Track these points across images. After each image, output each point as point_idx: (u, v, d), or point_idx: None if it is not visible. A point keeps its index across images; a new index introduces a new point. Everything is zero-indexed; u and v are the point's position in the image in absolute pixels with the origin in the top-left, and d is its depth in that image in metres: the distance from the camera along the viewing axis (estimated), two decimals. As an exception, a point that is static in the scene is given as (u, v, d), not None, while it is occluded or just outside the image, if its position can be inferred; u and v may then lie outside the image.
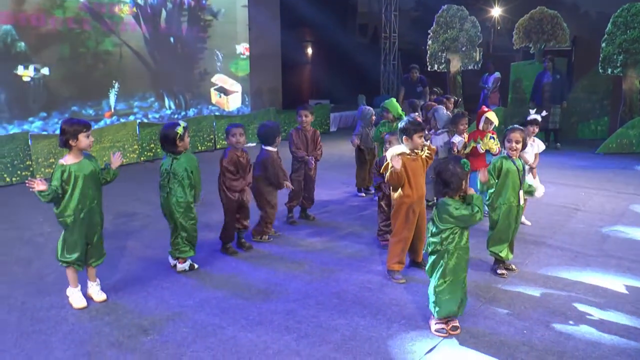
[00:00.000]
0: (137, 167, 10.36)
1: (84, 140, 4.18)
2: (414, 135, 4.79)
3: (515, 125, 5.22)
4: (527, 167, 6.31)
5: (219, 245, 5.76)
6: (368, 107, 8.12)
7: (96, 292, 4.49)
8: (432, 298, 3.99)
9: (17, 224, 6.64)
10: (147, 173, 9.56)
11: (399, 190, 4.87)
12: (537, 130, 6.36)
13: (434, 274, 3.97)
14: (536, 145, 6.42)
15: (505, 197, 4.97)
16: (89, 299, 4.44)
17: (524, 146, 5.13)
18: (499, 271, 5.08)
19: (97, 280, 4.54)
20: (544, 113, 6.76)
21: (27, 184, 4.06)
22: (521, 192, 5.01)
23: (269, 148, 5.88)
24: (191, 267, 5.15)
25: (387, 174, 4.80)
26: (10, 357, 3.63)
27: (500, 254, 5.04)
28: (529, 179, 6.22)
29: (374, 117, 7.95)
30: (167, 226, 5.21)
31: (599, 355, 3.68)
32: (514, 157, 5.03)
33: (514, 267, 5.20)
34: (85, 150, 4.29)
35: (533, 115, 6.41)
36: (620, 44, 11.68)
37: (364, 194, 8.13)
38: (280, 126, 6.07)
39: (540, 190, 6.47)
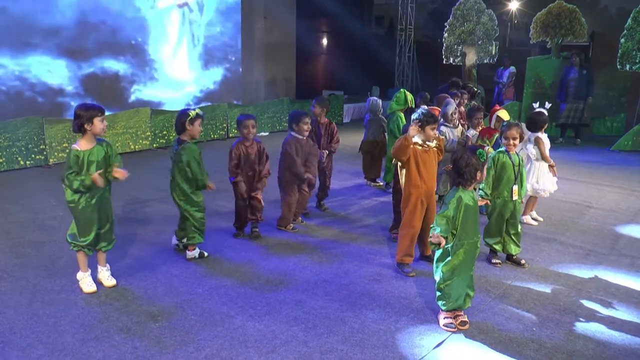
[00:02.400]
0: (149, 153, 10.40)
1: (98, 124, 4.18)
2: (427, 127, 4.78)
3: (511, 122, 5.31)
4: (545, 163, 6.27)
5: (230, 233, 5.81)
6: (376, 98, 8.14)
7: (106, 277, 4.51)
8: (438, 292, 3.98)
9: (31, 207, 6.70)
10: (159, 160, 9.59)
11: (408, 180, 4.86)
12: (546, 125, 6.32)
13: (440, 268, 3.94)
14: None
15: (499, 190, 5.10)
16: (98, 283, 4.47)
17: (521, 139, 5.28)
18: (493, 260, 5.21)
19: (107, 265, 4.57)
20: (548, 105, 6.67)
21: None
22: (515, 187, 5.09)
23: (292, 133, 5.94)
24: (201, 255, 5.16)
25: (396, 142, 4.81)
26: (20, 339, 3.66)
27: (495, 246, 5.17)
28: (544, 177, 6.21)
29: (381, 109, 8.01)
30: (177, 213, 5.22)
31: (610, 355, 3.65)
32: (512, 152, 5.15)
33: (523, 262, 5.18)
34: (99, 136, 4.29)
35: (538, 108, 6.37)
36: (640, 40, 11.50)
37: (373, 184, 8.21)
38: (301, 112, 6.06)
39: (552, 187, 6.41)
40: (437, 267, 3.98)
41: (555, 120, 12.61)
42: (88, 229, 4.29)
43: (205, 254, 5.20)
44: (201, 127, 5.00)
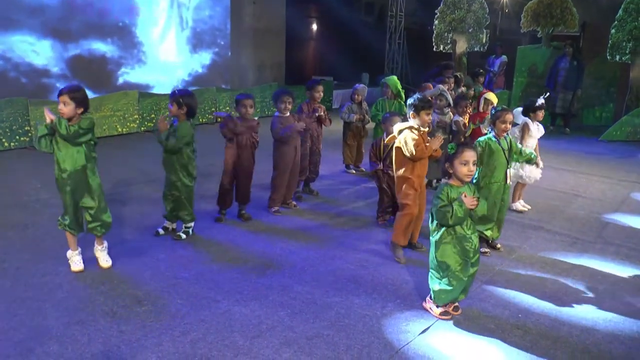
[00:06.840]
0: (137, 136, 10.30)
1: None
2: (422, 112, 4.79)
3: (504, 107, 5.29)
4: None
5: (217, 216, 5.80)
6: (357, 85, 8.13)
7: (102, 257, 4.50)
8: (431, 286, 3.89)
9: (14, 189, 6.60)
10: (147, 143, 9.49)
11: (402, 166, 4.87)
12: (542, 115, 6.33)
13: (431, 261, 3.88)
14: (539, 129, 6.39)
15: (495, 176, 5.04)
16: (96, 260, 4.50)
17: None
18: (482, 249, 5.12)
19: (104, 244, 4.53)
20: (546, 95, 6.71)
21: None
22: (508, 171, 5.07)
23: (277, 113, 5.98)
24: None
25: (407, 150, 4.77)
26: (3, 323, 3.61)
27: (485, 232, 5.08)
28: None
29: (358, 96, 7.98)
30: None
31: (593, 341, 3.68)
32: (501, 138, 5.08)
33: (499, 246, 5.23)
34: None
35: (540, 100, 6.38)
36: (631, 31, 11.52)
37: (353, 171, 8.18)
38: (280, 91, 6.06)
39: (537, 174, 6.43)
40: (431, 257, 3.93)
41: (550, 108, 12.67)
42: (66, 206, 4.27)
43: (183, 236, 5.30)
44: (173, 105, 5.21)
